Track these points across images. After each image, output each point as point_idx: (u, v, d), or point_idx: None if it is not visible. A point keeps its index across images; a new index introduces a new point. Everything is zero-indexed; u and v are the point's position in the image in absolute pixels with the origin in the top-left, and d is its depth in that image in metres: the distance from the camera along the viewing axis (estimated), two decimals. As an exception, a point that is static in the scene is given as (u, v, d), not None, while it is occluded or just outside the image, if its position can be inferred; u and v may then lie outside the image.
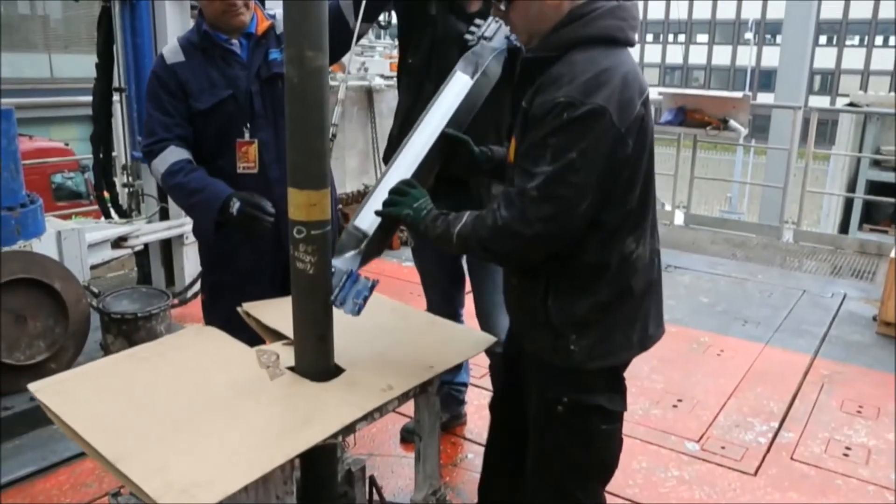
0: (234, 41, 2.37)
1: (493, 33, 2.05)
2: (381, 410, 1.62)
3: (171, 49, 2.40)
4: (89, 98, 4.16)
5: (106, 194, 4.41)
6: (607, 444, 1.81)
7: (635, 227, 1.68)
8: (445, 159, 1.94)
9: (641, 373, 3.66)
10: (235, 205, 2.23)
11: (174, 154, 2.33)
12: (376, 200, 1.78)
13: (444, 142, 1.90)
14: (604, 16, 1.60)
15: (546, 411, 1.76)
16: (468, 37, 2.09)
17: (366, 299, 1.67)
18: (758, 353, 4.04)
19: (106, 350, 3.47)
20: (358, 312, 1.67)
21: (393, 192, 1.75)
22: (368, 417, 1.59)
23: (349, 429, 1.54)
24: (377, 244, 1.80)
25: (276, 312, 1.96)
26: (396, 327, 2.04)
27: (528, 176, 1.54)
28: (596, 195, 1.55)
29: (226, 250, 2.46)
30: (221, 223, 2.29)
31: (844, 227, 10.40)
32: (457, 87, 1.97)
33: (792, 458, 3.04)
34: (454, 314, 2.89)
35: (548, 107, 1.52)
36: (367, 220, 1.78)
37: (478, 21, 2.11)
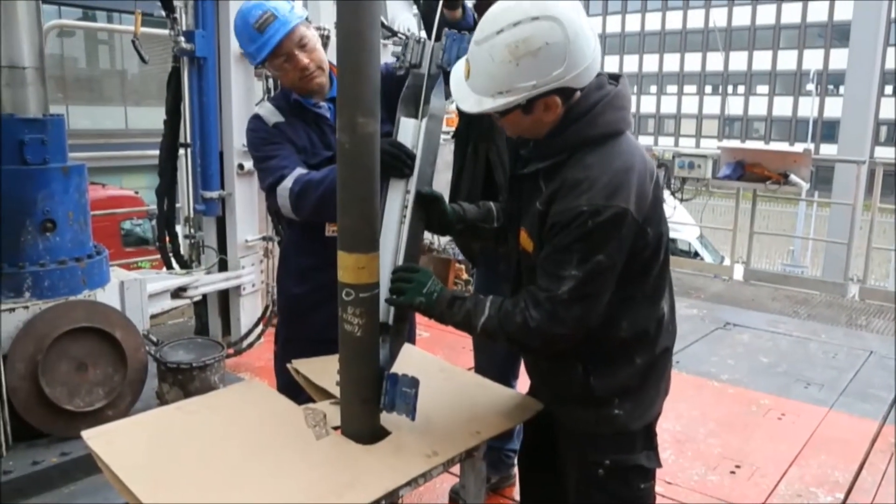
0: (322, 104, 2.40)
1: (420, 57, 1.88)
2: (425, 476, 1.61)
3: (268, 111, 2.42)
4: (157, 151, 4.34)
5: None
6: (645, 503, 1.82)
7: (659, 290, 1.73)
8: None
9: (697, 436, 3.54)
10: None
11: (299, 171, 2.27)
12: (380, 289, 1.72)
13: (420, 202, 1.82)
14: (605, 110, 1.60)
15: (587, 476, 1.78)
16: (394, 62, 1.91)
17: (415, 405, 1.67)
18: (821, 417, 3.87)
19: (161, 399, 3.54)
20: (414, 416, 1.67)
21: (396, 279, 1.72)
22: (412, 483, 1.58)
23: (392, 495, 1.53)
24: (399, 336, 1.79)
25: (326, 371, 1.97)
26: (444, 389, 2.02)
27: (556, 279, 1.57)
28: (616, 280, 1.61)
29: (304, 307, 2.48)
30: None
31: (915, 285, 9.97)
32: (410, 139, 1.85)
33: (859, 534, 2.88)
34: (504, 383, 2.69)
35: (571, 215, 1.54)
36: (380, 311, 1.72)
37: (395, 42, 1.90)
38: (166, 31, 4.16)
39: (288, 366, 2.08)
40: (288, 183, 2.25)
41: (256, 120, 2.43)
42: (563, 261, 1.56)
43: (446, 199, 1.89)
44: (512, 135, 1.73)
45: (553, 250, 1.59)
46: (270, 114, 2.41)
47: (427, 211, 1.85)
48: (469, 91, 1.60)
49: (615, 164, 1.57)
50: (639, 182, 1.58)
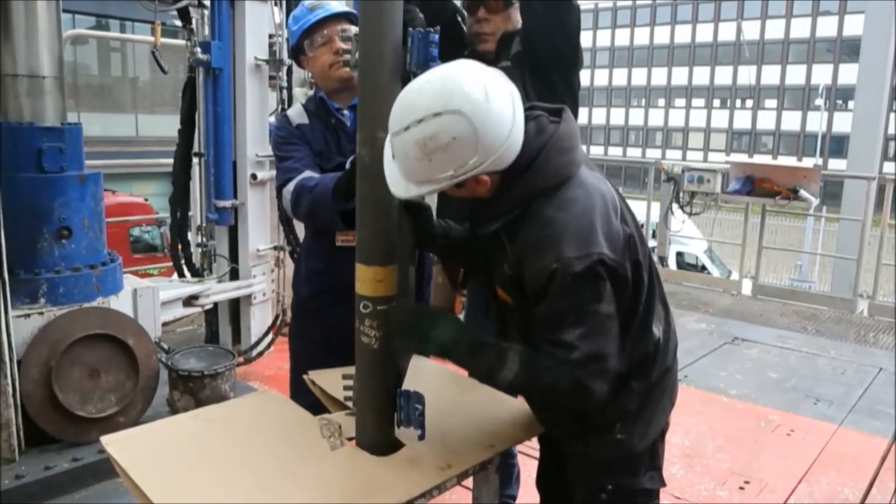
0: (346, 112, 2.44)
1: None
2: (439, 489, 1.62)
3: (296, 112, 2.51)
4: (169, 159, 4.39)
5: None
6: None
7: (649, 314, 1.70)
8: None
9: (706, 451, 3.54)
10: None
11: (304, 175, 2.31)
12: None
13: (407, 210, 1.74)
14: (549, 157, 1.54)
15: (592, 500, 1.78)
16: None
17: (424, 419, 1.67)
18: (831, 434, 3.87)
19: (172, 406, 3.56)
20: (424, 433, 1.67)
21: (404, 321, 1.64)
22: (427, 495, 1.59)
23: (406, 506, 1.55)
24: (407, 352, 1.78)
25: (341, 382, 1.99)
26: (458, 402, 2.03)
27: (562, 346, 1.51)
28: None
29: (308, 309, 2.54)
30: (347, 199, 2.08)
31: (925, 301, 9.91)
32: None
33: (869, 552, 2.87)
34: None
35: (545, 276, 1.49)
36: None
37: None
38: (179, 41, 4.20)
39: (304, 377, 2.10)
40: (291, 186, 2.31)
41: (283, 119, 2.53)
42: (560, 323, 1.51)
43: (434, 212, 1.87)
44: (456, 197, 1.64)
45: (543, 315, 1.55)
46: (297, 114, 2.49)
47: (414, 221, 1.79)
48: (399, 174, 1.54)
49: (575, 208, 1.52)
50: (604, 222, 1.53)
